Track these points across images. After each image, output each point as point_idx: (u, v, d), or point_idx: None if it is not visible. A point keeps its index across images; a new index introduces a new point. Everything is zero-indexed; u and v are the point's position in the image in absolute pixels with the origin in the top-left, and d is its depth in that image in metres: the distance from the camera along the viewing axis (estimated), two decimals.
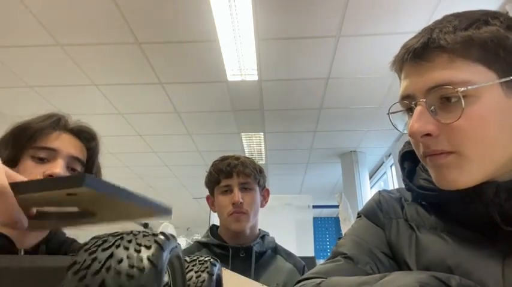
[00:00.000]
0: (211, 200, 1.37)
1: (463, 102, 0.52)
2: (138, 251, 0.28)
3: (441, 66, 0.54)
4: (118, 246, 0.29)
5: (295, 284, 0.62)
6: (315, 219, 5.83)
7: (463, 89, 0.52)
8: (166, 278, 0.35)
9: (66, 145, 0.87)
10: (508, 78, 0.53)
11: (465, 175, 0.54)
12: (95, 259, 0.28)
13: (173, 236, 0.33)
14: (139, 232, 0.32)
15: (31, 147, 0.84)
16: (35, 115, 0.91)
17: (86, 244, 0.30)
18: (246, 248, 1.27)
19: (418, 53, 0.56)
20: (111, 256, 0.28)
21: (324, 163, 5.72)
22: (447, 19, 0.57)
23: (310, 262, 1.54)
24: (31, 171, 0.82)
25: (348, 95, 3.82)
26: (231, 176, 1.28)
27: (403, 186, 0.69)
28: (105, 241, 0.30)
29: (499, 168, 0.55)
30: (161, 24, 2.80)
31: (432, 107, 0.55)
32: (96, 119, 4.52)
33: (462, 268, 0.54)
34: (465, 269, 0.54)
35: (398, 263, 0.63)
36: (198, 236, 5.93)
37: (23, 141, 0.83)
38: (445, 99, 0.54)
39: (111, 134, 4.67)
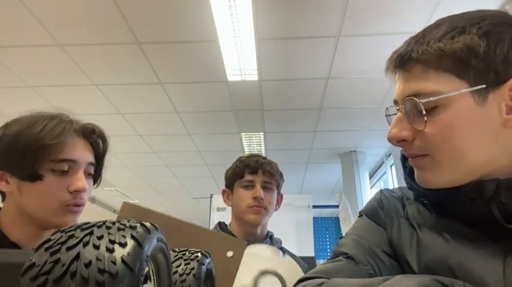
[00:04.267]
0: (227, 193, 1.40)
1: (424, 112, 0.55)
2: (111, 251, 0.24)
3: (416, 76, 0.57)
4: (86, 244, 0.24)
5: (296, 284, 0.61)
6: (315, 219, 5.82)
7: (425, 100, 0.55)
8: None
9: (83, 153, 0.88)
10: (475, 88, 0.54)
11: (438, 176, 0.58)
12: (57, 262, 0.23)
13: (156, 227, 0.28)
14: (113, 223, 0.26)
15: (50, 160, 0.82)
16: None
17: (48, 240, 0.25)
18: None
19: (398, 62, 0.59)
20: (77, 257, 0.23)
21: (324, 163, 5.72)
22: (433, 26, 0.59)
23: (310, 262, 1.54)
24: (55, 186, 0.82)
25: (347, 95, 3.82)
26: (256, 172, 1.33)
27: (404, 185, 0.69)
28: (70, 237, 0.25)
29: (473, 170, 0.56)
30: (161, 24, 2.80)
31: (410, 113, 0.58)
32: (96, 119, 4.51)
33: (463, 267, 0.54)
34: (466, 268, 0.54)
35: (399, 262, 0.63)
36: None
37: (42, 156, 0.81)
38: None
39: (111, 134, 4.64)
